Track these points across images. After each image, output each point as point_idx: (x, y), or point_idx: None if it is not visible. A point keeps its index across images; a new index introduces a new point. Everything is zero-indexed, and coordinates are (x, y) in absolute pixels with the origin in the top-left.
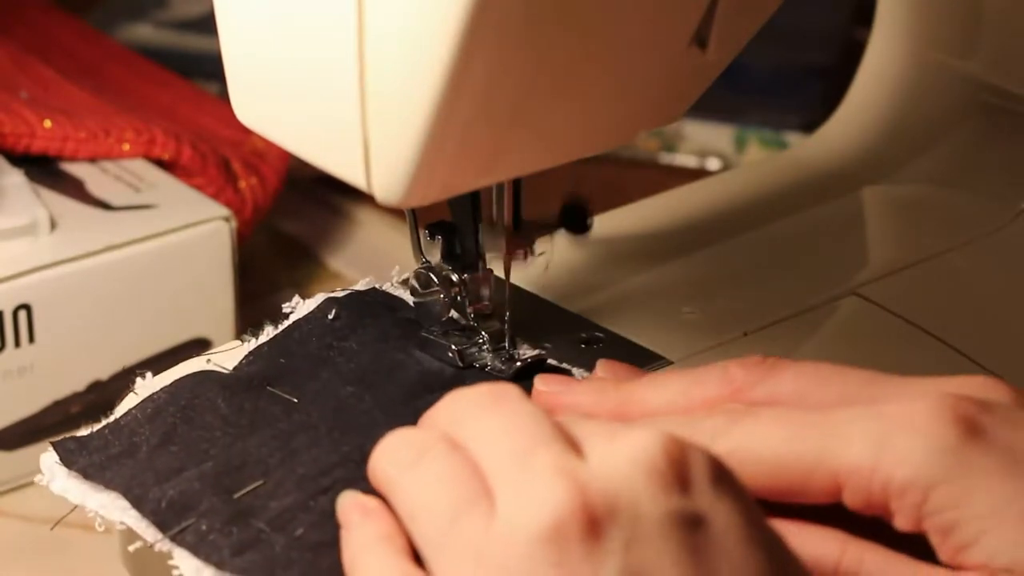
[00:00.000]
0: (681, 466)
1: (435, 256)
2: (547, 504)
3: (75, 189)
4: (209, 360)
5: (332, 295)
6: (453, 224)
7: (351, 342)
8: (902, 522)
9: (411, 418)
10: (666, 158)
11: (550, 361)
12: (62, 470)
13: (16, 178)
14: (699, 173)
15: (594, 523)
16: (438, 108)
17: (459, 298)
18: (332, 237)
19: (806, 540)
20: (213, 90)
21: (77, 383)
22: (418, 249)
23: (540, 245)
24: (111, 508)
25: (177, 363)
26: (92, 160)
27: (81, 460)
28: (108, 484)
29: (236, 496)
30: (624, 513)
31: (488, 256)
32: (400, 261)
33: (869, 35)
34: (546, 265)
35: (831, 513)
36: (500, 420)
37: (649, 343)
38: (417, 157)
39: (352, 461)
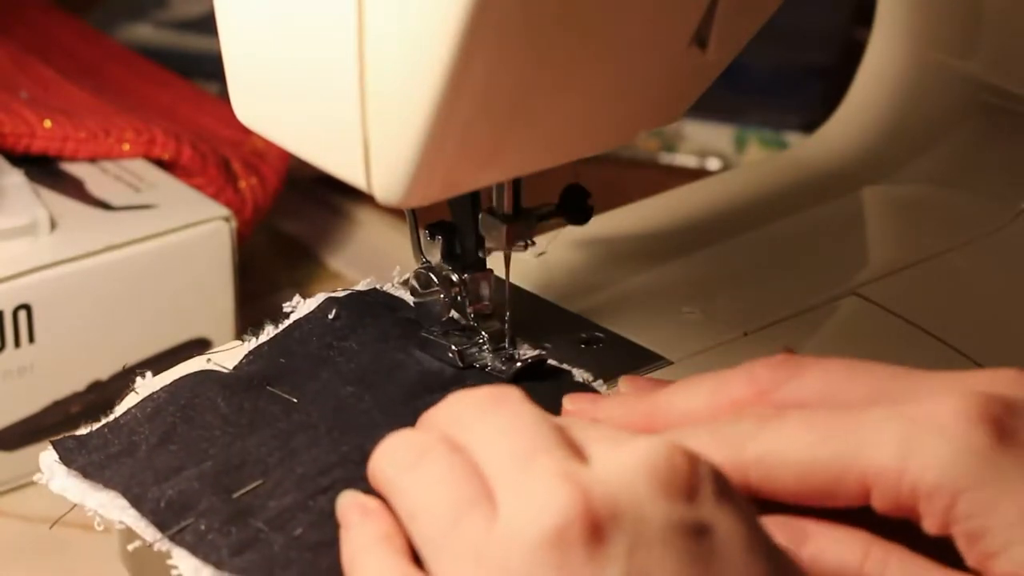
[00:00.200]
0: (685, 474)
1: (435, 256)
2: (550, 507)
3: (75, 189)
4: (209, 360)
5: (332, 295)
6: (453, 224)
7: (351, 342)
8: (930, 525)
9: (411, 418)
10: (666, 158)
11: (550, 361)
12: (61, 468)
13: (16, 178)
14: (699, 173)
15: (597, 528)
16: (438, 108)
17: (459, 298)
18: (332, 237)
19: (829, 541)
20: (213, 90)
21: (77, 383)
22: (418, 249)
23: (541, 245)
24: (110, 507)
25: (177, 363)
26: (92, 160)
27: (80, 459)
28: (107, 483)
29: (235, 496)
30: (627, 519)
31: (489, 250)
32: (400, 261)
33: (869, 35)
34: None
35: (856, 514)
36: (501, 422)
37: (649, 343)
38: (417, 157)
39: (351, 461)
